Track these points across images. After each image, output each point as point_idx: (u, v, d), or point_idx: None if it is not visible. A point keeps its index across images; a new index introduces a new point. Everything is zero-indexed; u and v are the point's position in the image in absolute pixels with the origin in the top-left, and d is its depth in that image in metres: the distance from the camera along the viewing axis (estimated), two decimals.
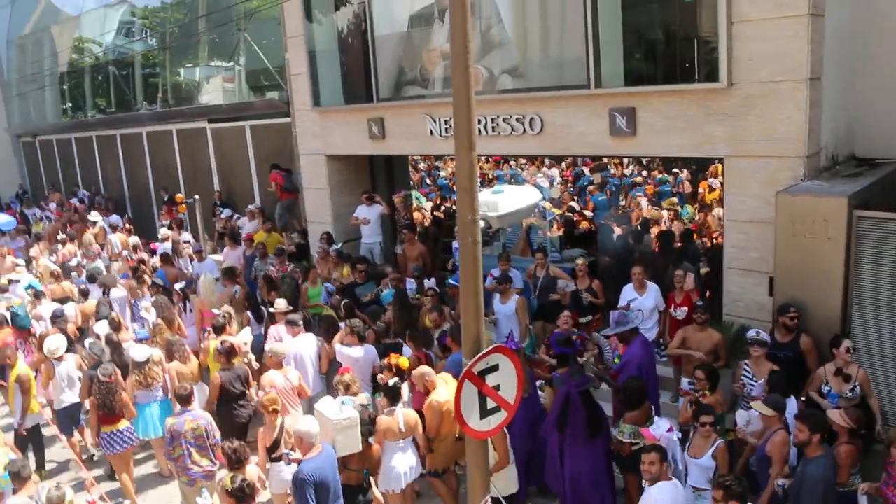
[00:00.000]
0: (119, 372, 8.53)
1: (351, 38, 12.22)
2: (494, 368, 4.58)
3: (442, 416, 6.97)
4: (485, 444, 4.84)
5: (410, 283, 10.84)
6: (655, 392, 7.75)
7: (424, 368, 7.25)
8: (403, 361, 7.63)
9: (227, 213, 17.14)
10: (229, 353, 8.45)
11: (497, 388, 4.62)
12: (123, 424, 8.33)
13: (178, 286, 12.10)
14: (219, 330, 9.25)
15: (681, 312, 8.91)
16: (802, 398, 6.95)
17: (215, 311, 10.16)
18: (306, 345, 9.08)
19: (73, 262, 15.10)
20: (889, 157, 8.91)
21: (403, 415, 6.93)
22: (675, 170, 17.90)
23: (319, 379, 9.19)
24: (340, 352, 8.58)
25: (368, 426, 6.98)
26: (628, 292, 9.18)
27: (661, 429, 6.49)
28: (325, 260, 12.30)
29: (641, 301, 9.00)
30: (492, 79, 10.14)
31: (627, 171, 19.20)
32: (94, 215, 18.67)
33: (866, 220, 7.22)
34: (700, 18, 8.49)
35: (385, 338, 9.17)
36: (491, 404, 4.61)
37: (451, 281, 9.60)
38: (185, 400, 7.49)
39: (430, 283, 9.66)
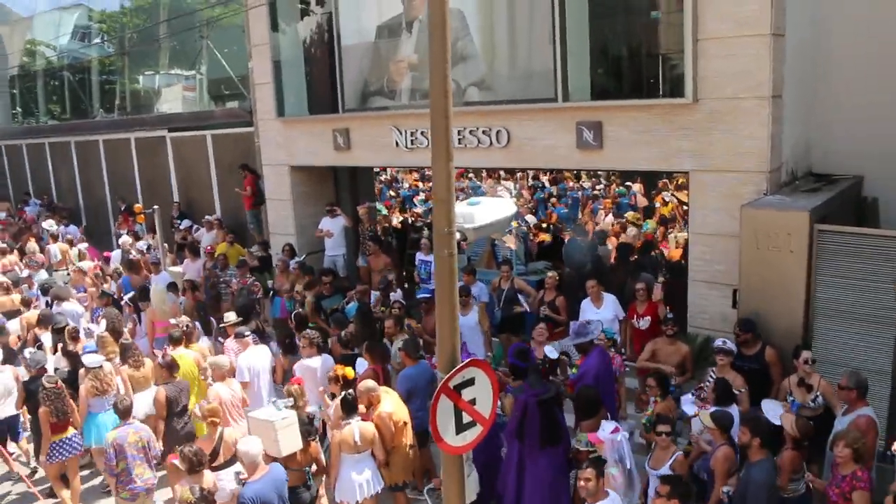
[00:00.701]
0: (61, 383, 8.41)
1: (317, 47, 12.15)
2: (470, 382, 4.53)
3: (394, 426, 6.98)
4: (460, 458, 4.80)
5: (376, 295, 10.80)
6: (613, 401, 7.80)
7: (370, 383, 7.16)
8: (349, 372, 7.52)
9: (186, 223, 16.86)
10: (171, 366, 8.31)
11: (473, 402, 4.58)
12: (71, 431, 8.30)
13: (126, 297, 11.96)
14: (176, 341, 9.07)
15: (644, 322, 9.01)
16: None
17: (172, 321, 10.05)
18: (258, 357, 8.94)
19: (25, 274, 14.71)
20: (845, 174, 9.18)
21: (360, 428, 6.85)
22: (628, 183, 18.13)
23: (274, 391, 9.05)
24: (301, 364, 8.49)
25: (307, 426, 7.01)
26: (586, 306, 9.21)
27: (606, 430, 6.50)
28: (286, 272, 12.16)
29: (600, 313, 9.05)
30: (458, 91, 10.15)
31: (587, 185, 19.38)
32: (50, 224, 18.20)
33: (826, 233, 7.41)
34: (666, 35, 8.66)
35: (346, 349, 9.09)
36: (466, 419, 4.57)
37: (422, 294, 9.54)
38: (125, 413, 7.40)
39: (396, 295, 9.60)
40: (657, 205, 16.58)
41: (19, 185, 24.79)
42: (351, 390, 7.11)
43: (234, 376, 8.48)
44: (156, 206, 15.86)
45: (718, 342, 7.38)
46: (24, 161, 24.43)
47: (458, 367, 4.43)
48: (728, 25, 8.02)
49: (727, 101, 8.18)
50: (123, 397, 7.68)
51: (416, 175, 23.53)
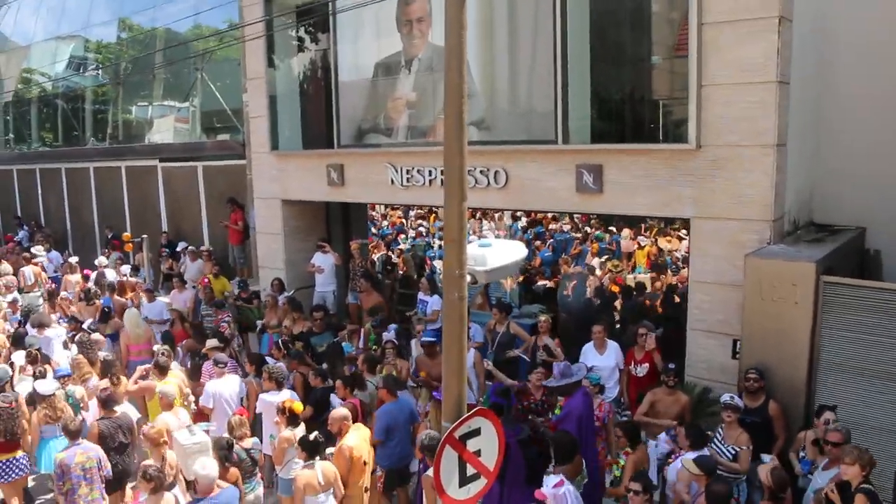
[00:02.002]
0: (23, 402, 8.56)
1: (313, 82, 12.05)
2: (476, 433, 4.28)
3: (351, 461, 6.95)
4: None
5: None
6: (594, 446, 7.60)
7: (344, 411, 7.22)
8: (297, 406, 7.45)
9: (182, 244, 16.44)
10: (107, 401, 8.21)
11: (478, 453, 4.32)
12: (20, 452, 8.33)
13: (86, 324, 12.01)
14: (163, 370, 9.00)
15: (641, 369, 8.83)
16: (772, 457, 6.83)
17: (156, 347, 10.13)
18: (227, 385, 8.88)
19: (9, 298, 14.44)
20: (847, 224, 9.06)
21: (322, 468, 6.77)
22: (612, 228, 17.98)
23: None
24: (262, 399, 8.39)
25: (226, 451, 7.02)
26: (589, 351, 9.02)
27: (549, 485, 6.35)
28: (275, 308, 11.90)
29: (603, 360, 8.86)
30: None
31: (566, 227, 19.13)
32: (38, 249, 17.93)
33: (833, 285, 7.23)
34: (670, 80, 8.58)
35: (324, 382, 8.91)
36: (471, 471, 4.30)
37: (426, 337, 9.27)
38: (74, 434, 7.45)
39: (389, 334, 9.33)
40: (634, 249, 16.53)
41: (8, 210, 24.55)
42: (316, 433, 6.97)
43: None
44: (144, 236, 15.66)
45: (726, 397, 7.14)
46: (14, 186, 24.23)
47: (465, 416, 4.18)
48: (733, 72, 7.91)
49: (731, 148, 8.05)
50: (73, 419, 7.75)
51: (399, 212, 23.31)
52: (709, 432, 7.21)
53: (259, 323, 11.88)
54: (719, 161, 8.15)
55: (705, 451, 6.67)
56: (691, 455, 6.45)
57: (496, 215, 20.20)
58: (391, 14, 10.55)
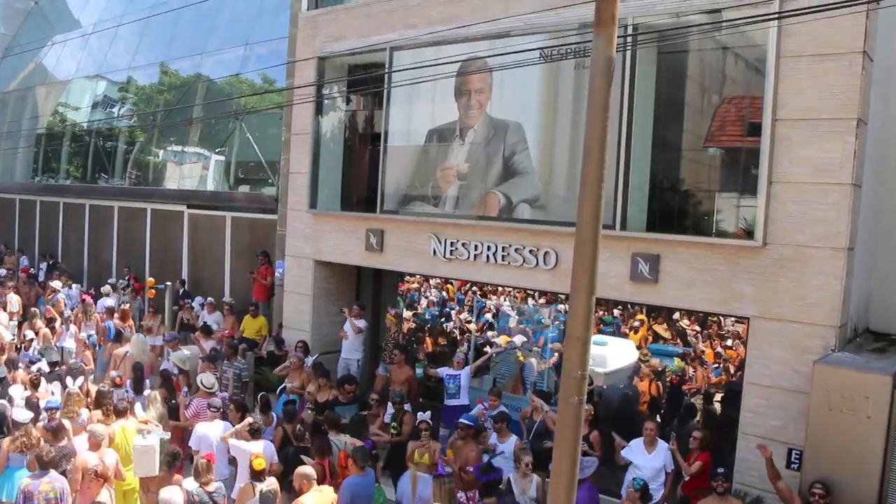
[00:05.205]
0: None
1: (360, 143, 11.91)
2: None
3: None
4: None
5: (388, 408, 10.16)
6: None
7: (308, 469, 7.30)
8: (257, 463, 7.52)
9: (199, 300, 16.08)
10: (56, 431, 8.34)
11: None
12: None
13: (70, 362, 12.02)
14: (121, 413, 8.91)
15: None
16: None
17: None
18: (215, 429, 8.96)
19: (30, 336, 14.12)
20: None
21: None
22: (616, 311, 17.37)
23: (226, 465, 8.88)
24: (234, 446, 8.52)
25: (170, 458, 7.80)
26: (637, 449, 8.57)
27: None
28: (299, 370, 11.48)
29: (651, 460, 8.41)
30: (509, 206, 9.82)
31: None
32: (57, 284, 17.66)
33: None
34: (736, 174, 8.36)
35: (300, 442, 8.96)
36: None
37: (464, 420, 8.88)
38: (46, 464, 7.48)
39: (423, 415, 8.92)
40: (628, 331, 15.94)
41: (27, 240, 24.36)
42: (272, 488, 7.05)
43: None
44: (168, 283, 15.38)
45: None
46: (36, 218, 24.08)
47: None
48: (806, 171, 7.70)
49: (799, 248, 7.78)
50: (49, 450, 7.73)
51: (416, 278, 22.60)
52: None
53: (287, 384, 11.38)
54: (785, 261, 7.87)
55: None
56: None
57: (511, 291, 19.56)
58: (447, 81, 10.41)
